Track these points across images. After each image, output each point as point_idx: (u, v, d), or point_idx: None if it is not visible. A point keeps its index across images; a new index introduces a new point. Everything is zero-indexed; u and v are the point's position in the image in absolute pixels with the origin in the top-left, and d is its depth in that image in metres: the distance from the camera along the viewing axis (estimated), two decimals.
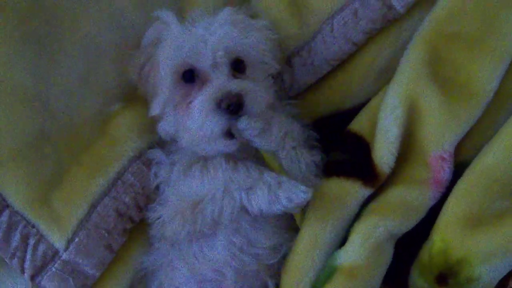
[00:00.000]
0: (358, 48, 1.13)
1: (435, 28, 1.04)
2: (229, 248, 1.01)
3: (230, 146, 0.98)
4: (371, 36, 1.12)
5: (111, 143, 1.07)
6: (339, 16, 1.11)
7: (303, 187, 0.93)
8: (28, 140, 0.99)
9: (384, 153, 1.00)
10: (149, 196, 1.07)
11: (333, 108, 1.17)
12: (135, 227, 1.07)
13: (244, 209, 0.96)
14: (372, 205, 1.02)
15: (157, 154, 1.06)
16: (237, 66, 1.01)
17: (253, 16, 1.10)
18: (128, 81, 1.08)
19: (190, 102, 0.98)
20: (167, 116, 1.03)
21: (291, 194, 0.93)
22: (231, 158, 0.99)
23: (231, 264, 1.01)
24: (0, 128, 0.96)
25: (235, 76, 1.00)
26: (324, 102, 1.17)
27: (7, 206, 0.97)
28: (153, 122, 1.07)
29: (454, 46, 1.02)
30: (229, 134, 0.96)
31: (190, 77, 1.00)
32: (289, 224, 1.08)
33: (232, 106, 0.93)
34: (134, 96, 1.10)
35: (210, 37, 0.97)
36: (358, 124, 1.08)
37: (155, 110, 1.02)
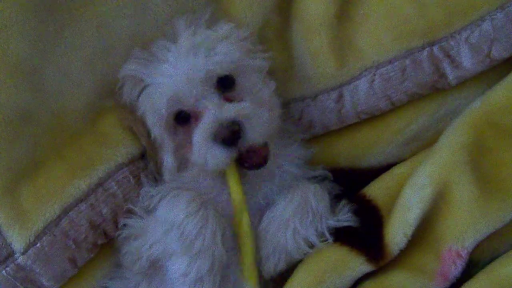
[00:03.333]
0: (394, 108, 1.03)
1: (486, 115, 0.96)
2: None
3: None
4: (412, 100, 1.03)
5: (100, 142, 0.97)
6: (384, 69, 1.01)
7: None
8: (8, 116, 0.88)
9: (398, 234, 0.91)
10: (130, 211, 0.95)
11: (349, 163, 1.09)
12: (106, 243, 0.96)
13: None
14: (370, 285, 0.93)
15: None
16: (225, 83, 0.92)
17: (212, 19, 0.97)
18: None
19: (191, 141, 0.91)
20: (167, 156, 0.94)
21: None
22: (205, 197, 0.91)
23: None
24: None
25: (227, 98, 0.92)
26: (341, 154, 1.09)
27: None
28: None
29: (502, 140, 0.94)
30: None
31: (183, 118, 0.93)
32: None
33: (228, 139, 0.86)
34: None
35: (181, 76, 0.89)
36: (374, 191, 0.99)
37: (168, 163, 0.94)
